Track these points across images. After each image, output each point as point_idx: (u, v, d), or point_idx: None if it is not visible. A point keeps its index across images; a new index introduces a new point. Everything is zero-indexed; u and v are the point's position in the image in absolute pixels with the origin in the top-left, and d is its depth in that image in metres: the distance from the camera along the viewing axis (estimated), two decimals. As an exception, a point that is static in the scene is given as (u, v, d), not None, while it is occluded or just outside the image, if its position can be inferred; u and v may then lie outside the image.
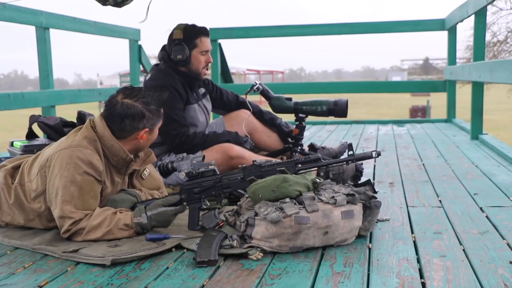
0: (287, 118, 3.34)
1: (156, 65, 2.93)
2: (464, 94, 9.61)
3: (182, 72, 2.83)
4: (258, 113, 3.10)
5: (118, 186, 2.16)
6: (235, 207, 2.08)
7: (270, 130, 3.12)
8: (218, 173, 2.07)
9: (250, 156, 2.67)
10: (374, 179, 3.05)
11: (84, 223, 1.92)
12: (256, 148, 3.06)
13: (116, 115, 2.02)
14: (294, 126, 3.08)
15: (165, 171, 2.19)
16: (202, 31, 2.82)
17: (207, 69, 2.89)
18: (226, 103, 3.12)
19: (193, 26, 2.84)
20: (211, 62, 2.89)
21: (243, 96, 3.13)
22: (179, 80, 2.79)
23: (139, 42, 6.04)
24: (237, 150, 2.70)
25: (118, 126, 2.04)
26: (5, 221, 2.12)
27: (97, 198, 2.01)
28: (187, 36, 2.79)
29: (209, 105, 3.05)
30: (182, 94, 2.77)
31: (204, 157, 2.14)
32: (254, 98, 10.94)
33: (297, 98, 3.15)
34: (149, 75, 2.93)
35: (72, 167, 1.93)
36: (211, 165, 2.06)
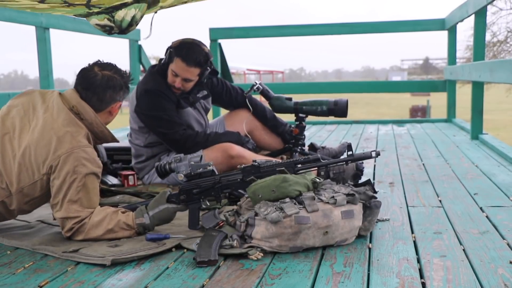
0: (287, 118, 3.34)
1: (154, 66, 2.90)
2: (464, 94, 9.61)
3: None
4: (262, 119, 3.09)
5: None
6: (235, 207, 2.08)
7: (270, 129, 3.12)
8: (216, 173, 2.07)
9: (250, 156, 2.67)
10: (374, 179, 3.05)
11: (86, 220, 1.92)
12: (256, 147, 3.06)
13: (98, 85, 2.03)
14: (294, 126, 3.08)
15: (163, 172, 2.19)
16: (182, 54, 2.66)
17: (178, 90, 2.74)
18: (235, 105, 3.11)
19: (186, 45, 2.70)
20: (175, 87, 2.72)
21: (246, 95, 3.12)
22: (167, 85, 2.76)
23: (139, 42, 6.05)
24: (237, 149, 2.70)
25: (99, 97, 2.04)
26: None
27: (98, 194, 2.01)
28: (174, 49, 2.70)
29: (208, 106, 3.03)
30: (171, 97, 2.74)
31: (201, 157, 2.13)
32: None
33: (297, 98, 3.15)
34: (143, 76, 2.92)
35: (80, 168, 1.92)
36: (209, 165, 2.05)
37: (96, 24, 2.70)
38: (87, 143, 1.99)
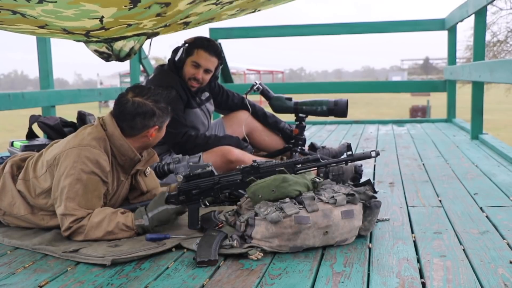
0: (287, 118, 3.34)
1: (162, 65, 2.93)
2: (464, 94, 9.61)
3: (183, 76, 2.83)
4: (262, 117, 3.11)
5: (123, 185, 2.17)
6: (235, 207, 2.08)
7: (270, 129, 3.12)
8: (216, 174, 2.06)
9: (250, 160, 2.66)
10: (374, 179, 3.05)
11: (85, 221, 1.92)
12: (255, 148, 3.06)
13: (127, 113, 2.05)
14: (294, 126, 3.09)
15: (162, 173, 2.19)
16: (204, 45, 2.79)
17: (197, 83, 2.82)
18: (232, 106, 3.13)
19: (204, 38, 2.84)
20: (198, 79, 2.80)
21: (244, 96, 3.13)
22: (180, 83, 2.79)
23: (139, 42, 6.04)
24: (236, 153, 2.69)
25: (129, 124, 2.06)
26: (3, 209, 2.11)
27: (101, 199, 2.02)
28: (193, 43, 2.80)
29: (211, 108, 3.06)
30: (183, 96, 2.77)
31: (200, 158, 2.13)
32: (254, 98, 10.93)
33: (297, 98, 3.16)
34: (152, 75, 2.93)
35: (79, 165, 1.94)
36: (208, 166, 2.05)
37: (95, 50, 2.75)
38: (96, 145, 2.00)
